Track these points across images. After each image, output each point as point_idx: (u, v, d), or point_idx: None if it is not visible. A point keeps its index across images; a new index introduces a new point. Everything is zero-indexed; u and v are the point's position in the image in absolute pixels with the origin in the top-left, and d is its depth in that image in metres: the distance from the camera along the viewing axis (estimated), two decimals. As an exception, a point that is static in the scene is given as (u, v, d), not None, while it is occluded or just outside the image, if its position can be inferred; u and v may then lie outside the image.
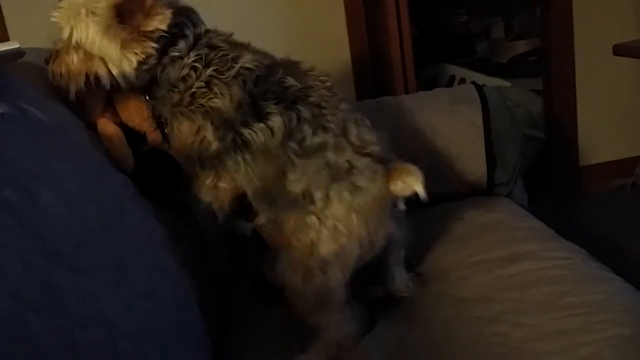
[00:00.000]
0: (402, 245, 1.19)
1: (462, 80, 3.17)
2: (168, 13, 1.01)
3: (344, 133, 1.09)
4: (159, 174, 1.10)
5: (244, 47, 1.11)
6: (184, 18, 1.06)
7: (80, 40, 1.03)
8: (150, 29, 1.01)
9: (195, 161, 1.09)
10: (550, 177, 2.74)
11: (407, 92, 2.22)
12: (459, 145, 1.56)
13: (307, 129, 1.06)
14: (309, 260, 1.05)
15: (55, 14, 1.05)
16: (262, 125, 1.04)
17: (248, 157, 1.05)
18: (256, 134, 1.04)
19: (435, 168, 1.52)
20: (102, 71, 1.03)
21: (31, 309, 0.60)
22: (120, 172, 1.00)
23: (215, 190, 1.10)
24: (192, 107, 1.04)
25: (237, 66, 1.05)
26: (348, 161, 1.06)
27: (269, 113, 1.05)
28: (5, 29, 2.25)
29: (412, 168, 1.08)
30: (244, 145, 1.05)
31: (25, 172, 0.76)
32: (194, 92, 1.04)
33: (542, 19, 2.71)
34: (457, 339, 1.02)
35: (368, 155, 1.08)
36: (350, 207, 1.04)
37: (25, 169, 0.77)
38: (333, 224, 1.04)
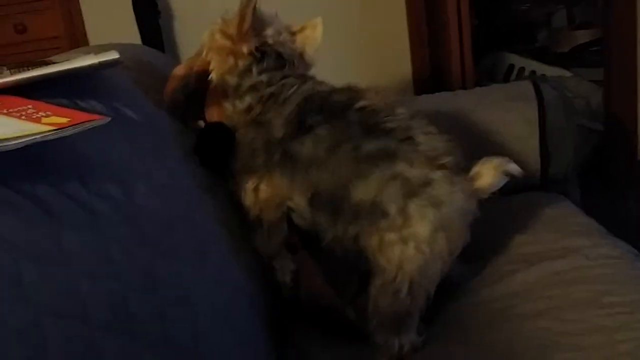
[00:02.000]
0: None
1: (522, 70, 3.17)
2: (253, 43, 1.16)
3: (413, 142, 1.08)
4: (216, 145, 1.19)
5: (314, 80, 1.21)
6: (272, 51, 1.18)
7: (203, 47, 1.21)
8: (238, 47, 1.16)
9: (244, 167, 1.16)
10: (608, 171, 2.74)
11: (464, 83, 2.26)
12: (514, 142, 1.60)
13: (358, 131, 1.07)
14: (398, 283, 1.05)
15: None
16: (307, 137, 1.09)
17: (297, 169, 1.10)
18: (303, 145, 1.09)
19: (490, 164, 1.58)
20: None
21: (133, 290, 0.70)
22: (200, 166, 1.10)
23: (255, 193, 1.15)
24: (248, 118, 1.15)
25: (292, 90, 1.15)
26: (424, 174, 1.05)
27: (312, 125, 1.09)
28: (84, 27, 2.39)
29: (491, 158, 1.11)
30: (291, 159, 1.10)
31: (122, 167, 0.87)
32: (251, 105, 1.16)
33: (604, 9, 2.70)
34: (500, 331, 1.08)
35: (443, 166, 1.07)
36: (435, 226, 1.04)
37: (121, 164, 0.87)
38: (414, 245, 1.04)
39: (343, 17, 2.42)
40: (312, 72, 1.27)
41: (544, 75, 3.07)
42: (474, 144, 1.57)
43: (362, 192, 1.06)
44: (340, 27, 2.41)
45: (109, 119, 0.75)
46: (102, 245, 0.71)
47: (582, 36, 3.49)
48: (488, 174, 1.10)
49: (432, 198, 1.05)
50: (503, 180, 1.11)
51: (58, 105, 0.81)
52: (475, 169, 1.11)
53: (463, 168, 1.11)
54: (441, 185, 1.05)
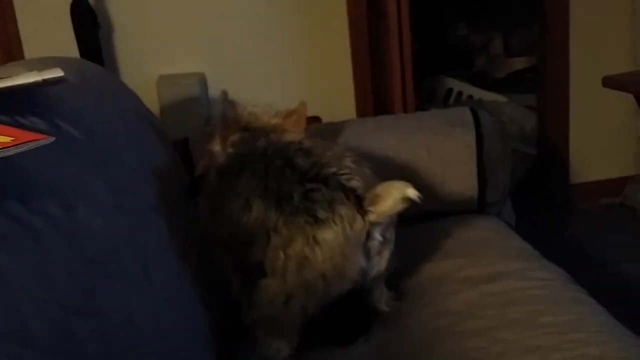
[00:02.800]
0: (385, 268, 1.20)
1: (460, 94, 3.27)
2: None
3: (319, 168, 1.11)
4: None
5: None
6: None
7: None
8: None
9: None
10: (541, 193, 2.82)
11: (405, 105, 2.31)
12: (452, 166, 1.64)
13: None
14: (277, 290, 1.09)
15: None
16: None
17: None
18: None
19: (429, 186, 1.62)
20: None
21: (76, 313, 0.69)
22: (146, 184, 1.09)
23: None
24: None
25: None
26: (305, 193, 1.08)
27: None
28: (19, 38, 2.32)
29: (393, 182, 1.09)
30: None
31: (63, 185, 0.85)
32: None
33: (539, 38, 2.80)
34: (440, 351, 1.11)
35: (341, 189, 1.08)
36: (313, 242, 1.06)
37: (63, 182, 0.86)
38: (297, 260, 1.07)
39: (287, 40, 2.44)
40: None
41: (480, 99, 3.16)
42: (414, 166, 1.62)
43: (255, 220, 1.11)
44: (285, 49, 2.43)
45: (53, 138, 0.74)
46: (44, 267, 0.70)
47: (518, 63, 3.62)
48: (387, 198, 1.08)
49: (313, 216, 1.07)
50: (402, 205, 1.09)
51: (-1, 122, 0.79)
52: (376, 192, 1.09)
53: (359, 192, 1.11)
54: (323, 204, 1.07)
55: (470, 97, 3.21)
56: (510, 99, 3.16)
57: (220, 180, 1.20)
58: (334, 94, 2.47)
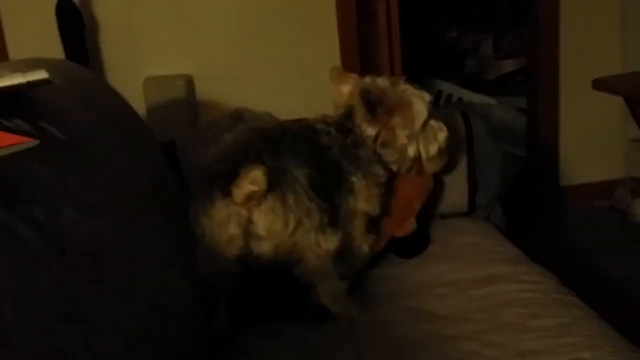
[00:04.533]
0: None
1: (449, 96, 3.27)
2: None
3: None
4: None
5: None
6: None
7: None
8: None
9: None
10: (531, 195, 2.82)
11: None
12: (442, 169, 1.63)
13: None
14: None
15: None
16: None
17: None
18: None
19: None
20: None
21: (60, 319, 0.67)
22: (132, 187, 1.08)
23: None
24: None
25: None
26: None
27: None
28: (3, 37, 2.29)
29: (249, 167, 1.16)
30: None
31: (48, 189, 0.83)
32: None
33: (529, 40, 2.80)
34: (432, 355, 1.10)
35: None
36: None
37: (47, 186, 0.84)
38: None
39: (276, 43, 2.42)
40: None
41: (470, 102, 3.16)
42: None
43: None
44: (273, 51, 2.42)
45: (38, 141, 0.72)
46: (27, 272, 0.68)
47: (508, 65, 3.62)
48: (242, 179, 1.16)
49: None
50: (249, 189, 1.15)
51: (-19, 124, 0.77)
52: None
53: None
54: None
55: (460, 99, 3.21)
56: (500, 101, 3.16)
57: None
58: (322, 96, 2.46)
